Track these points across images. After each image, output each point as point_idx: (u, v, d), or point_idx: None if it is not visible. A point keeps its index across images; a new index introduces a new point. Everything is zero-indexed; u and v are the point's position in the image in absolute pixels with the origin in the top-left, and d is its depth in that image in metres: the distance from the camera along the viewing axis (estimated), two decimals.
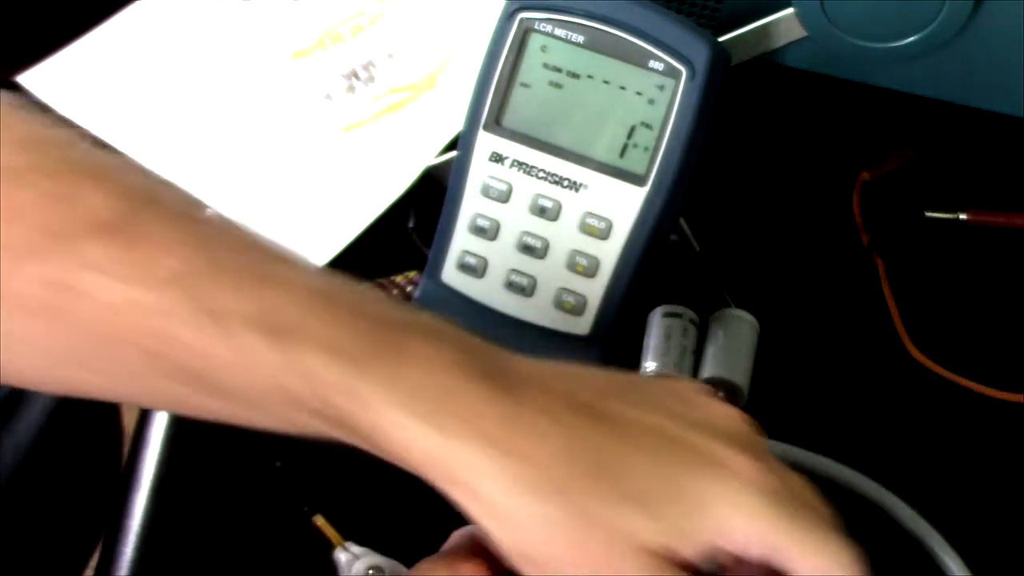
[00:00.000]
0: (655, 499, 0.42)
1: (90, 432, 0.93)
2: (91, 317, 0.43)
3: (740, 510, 0.42)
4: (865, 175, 0.75)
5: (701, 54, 0.59)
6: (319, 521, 0.58)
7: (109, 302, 0.42)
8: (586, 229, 0.61)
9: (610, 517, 0.41)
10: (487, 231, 0.63)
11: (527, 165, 0.62)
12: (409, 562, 0.58)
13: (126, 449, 0.70)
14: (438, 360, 0.42)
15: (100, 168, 0.45)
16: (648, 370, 0.65)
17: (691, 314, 0.67)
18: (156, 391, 0.45)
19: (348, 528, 0.58)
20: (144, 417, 0.66)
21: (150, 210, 0.44)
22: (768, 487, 0.42)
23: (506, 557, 0.42)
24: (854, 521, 0.62)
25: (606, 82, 0.61)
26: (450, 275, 0.64)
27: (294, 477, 0.63)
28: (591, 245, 0.61)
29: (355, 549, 0.58)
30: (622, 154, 0.61)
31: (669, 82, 0.60)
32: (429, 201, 0.68)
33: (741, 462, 0.43)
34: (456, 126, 0.66)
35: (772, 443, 0.64)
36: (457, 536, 0.48)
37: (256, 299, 0.43)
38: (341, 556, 0.58)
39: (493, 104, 0.62)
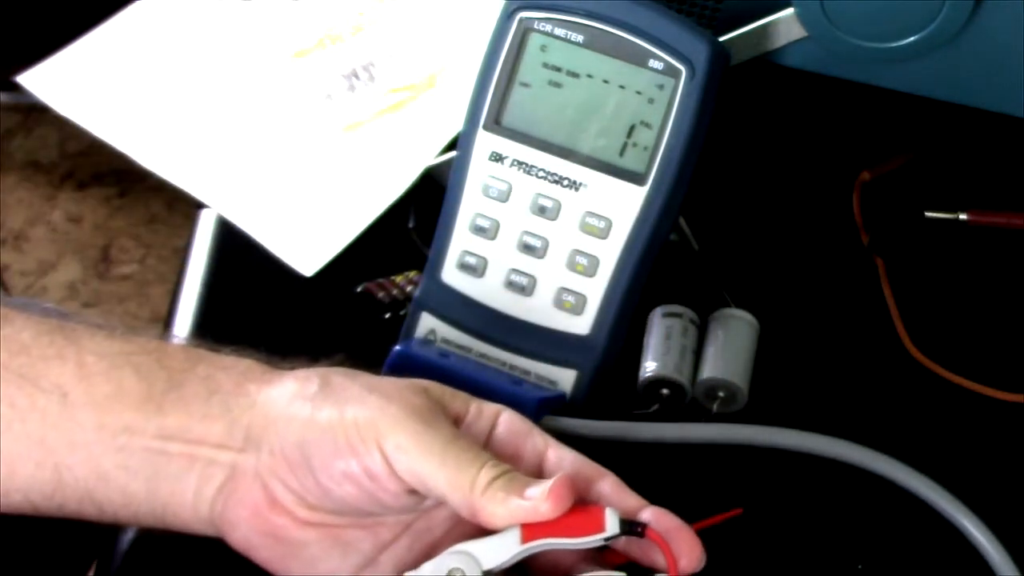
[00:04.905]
0: None
1: None
2: None
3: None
4: (865, 175, 0.75)
5: (701, 53, 0.60)
6: None
7: None
8: (586, 228, 0.61)
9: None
10: (487, 231, 0.63)
11: (527, 164, 0.62)
12: None
13: None
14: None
15: None
16: (648, 370, 0.65)
17: (691, 314, 0.67)
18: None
19: None
20: None
21: None
22: None
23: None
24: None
25: (606, 81, 0.61)
26: (450, 275, 0.64)
27: None
28: (591, 244, 0.61)
29: None
30: (622, 153, 0.61)
31: (669, 81, 0.60)
32: (429, 201, 0.68)
33: None
34: (456, 126, 0.66)
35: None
36: None
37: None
38: None
39: (493, 104, 0.62)
